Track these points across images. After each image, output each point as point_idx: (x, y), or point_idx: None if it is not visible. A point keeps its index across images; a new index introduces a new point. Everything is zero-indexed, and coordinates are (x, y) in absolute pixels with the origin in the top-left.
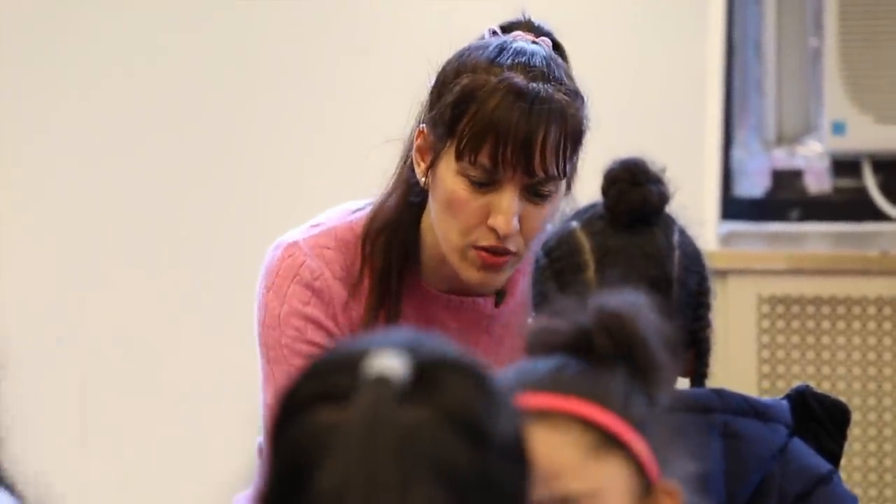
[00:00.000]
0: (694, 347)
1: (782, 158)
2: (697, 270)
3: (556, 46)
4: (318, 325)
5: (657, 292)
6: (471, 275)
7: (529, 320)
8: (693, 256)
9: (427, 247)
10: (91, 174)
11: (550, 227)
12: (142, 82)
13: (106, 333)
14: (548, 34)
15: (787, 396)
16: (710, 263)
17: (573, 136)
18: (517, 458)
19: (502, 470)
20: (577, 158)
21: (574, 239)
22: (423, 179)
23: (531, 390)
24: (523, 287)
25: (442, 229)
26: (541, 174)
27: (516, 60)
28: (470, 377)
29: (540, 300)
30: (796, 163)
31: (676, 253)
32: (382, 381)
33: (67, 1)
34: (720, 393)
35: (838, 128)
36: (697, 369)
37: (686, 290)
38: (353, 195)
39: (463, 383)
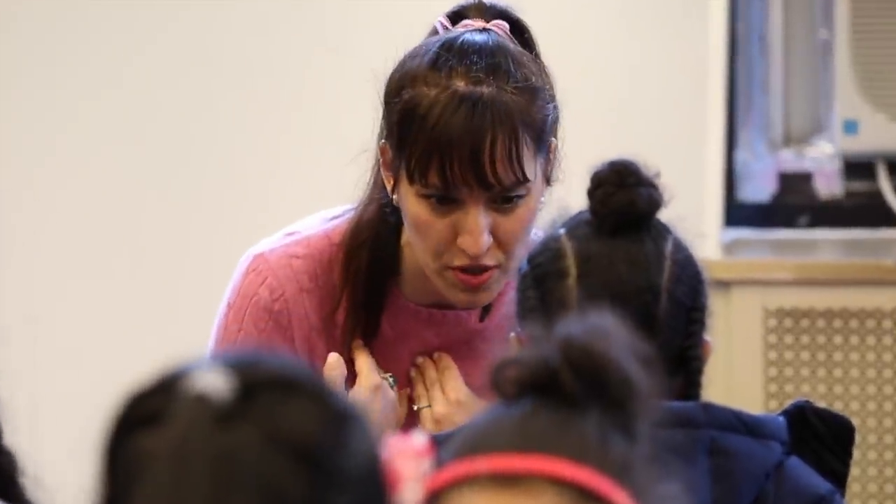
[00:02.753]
0: (684, 368)
1: (790, 160)
2: (691, 284)
3: (515, 25)
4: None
5: (642, 304)
6: (456, 296)
7: (512, 333)
8: (686, 268)
9: (408, 261)
10: (45, 183)
11: (538, 235)
12: (100, 83)
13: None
14: (502, 13)
15: (785, 412)
16: (713, 273)
17: (531, 134)
18: (367, 495)
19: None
20: (552, 146)
21: (557, 245)
22: (394, 198)
23: (496, 451)
24: (510, 299)
25: (417, 250)
26: (497, 185)
27: (458, 63)
28: (309, 399)
29: (523, 310)
30: (805, 165)
31: (667, 263)
32: (201, 402)
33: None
34: (707, 407)
35: (850, 127)
36: (688, 392)
37: (675, 303)
38: (324, 196)
39: (298, 405)
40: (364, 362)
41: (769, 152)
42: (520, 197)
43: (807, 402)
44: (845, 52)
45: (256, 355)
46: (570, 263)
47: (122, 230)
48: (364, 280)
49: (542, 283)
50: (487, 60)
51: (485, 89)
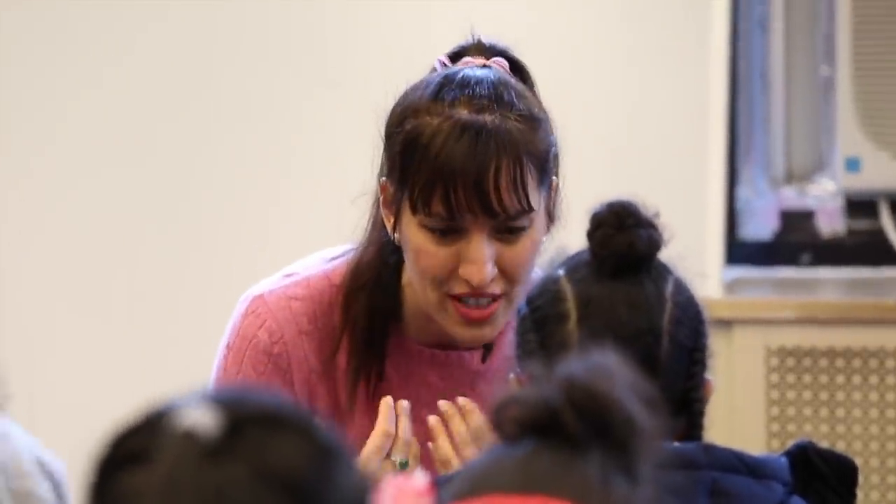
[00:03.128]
0: (686, 410)
1: (792, 198)
2: (692, 325)
3: (514, 64)
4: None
5: (643, 346)
6: (459, 331)
7: (511, 375)
8: (688, 309)
9: (409, 302)
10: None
11: (537, 274)
12: (97, 120)
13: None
14: (502, 53)
15: (787, 453)
16: (714, 312)
17: (534, 163)
18: None
19: None
20: (553, 184)
21: (557, 287)
22: (395, 236)
23: (498, 491)
24: (510, 340)
25: (418, 287)
26: (502, 213)
27: (460, 93)
28: (296, 433)
29: (522, 353)
30: (807, 203)
31: (668, 304)
32: (188, 438)
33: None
34: (708, 448)
35: (852, 164)
36: (690, 433)
37: (677, 345)
38: (326, 230)
39: (285, 440)
40: (378, 438)
41: (771, 190)
42: (523, 228)
43: (809, 442)
44: (847, 88)
45: (242, 391)
46: (571, 307)
47: (118, 264)
48: (365, 324)
49: (543, 326)
50: (490, 90)
51: (488, 117)
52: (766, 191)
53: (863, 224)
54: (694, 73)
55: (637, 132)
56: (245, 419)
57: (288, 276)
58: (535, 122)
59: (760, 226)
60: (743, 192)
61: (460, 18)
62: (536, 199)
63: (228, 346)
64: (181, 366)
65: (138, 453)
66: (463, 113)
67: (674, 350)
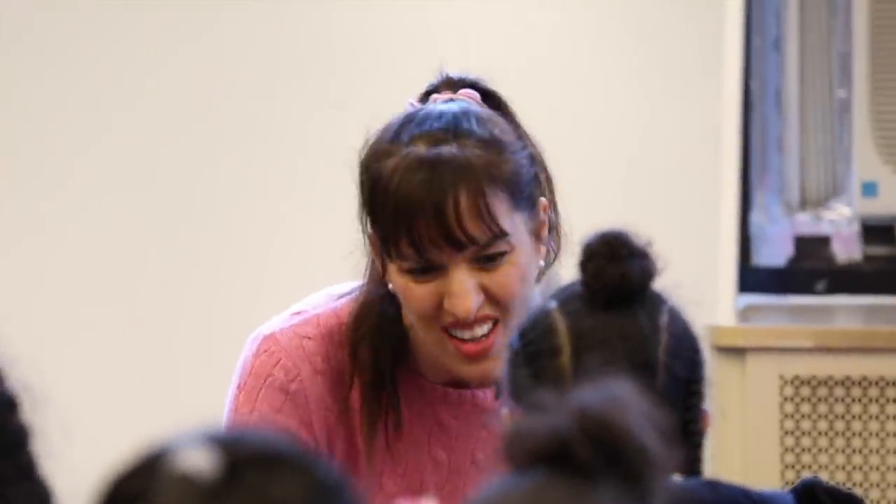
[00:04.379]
0: (685, 443)
1: (807, 223)
2: (688, 356)
3: (487, 94)
4: (288, 435)
5: (639, 379)
6: (463, 369)
7: (504, 409)
8: (683, 340)
9: (417, 342)
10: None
11: (535, 299)
12: (109, 132)
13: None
14: (472, 84)
15: (794, 490)
16: (727, 340)
17: (502, 187)
18: None
19: None
20: (541, 204)
21: (548, 320)
22: (390, 285)
23: None
24: None
25: (417, 328)
26: (470, 243)
27: (417, 130)
28: (295, 472)
29: (514, 388)
30: (822, 228)
31: (663, 336)
32: (186, 481)
33: None
34: (713, 485)
35: (869, 189)
36: (690, 467)
37: (673, 377)
38: (328, 252)
39: (284, 479)
40: None
41: (785, 215)
42: (502, 253)
43: (816, 478)
44: (864, 110)
45: (240, 430)
46: (564, 341)
47: (123, 280)
48: (374, 376)
49: (535, 360)
50: (448, 122)
51: (444, 149)
52: (781, 216)
53: (880, 250)
54: (707, 94)
55: (648, 155)
56: (243, 460)
57: (297, 314)
58: (498, 145)
59: (774, 252)
60: (756, 217)
61: (467, 39)
62: (510, 222)
63: (240, 387)
64: (186, 378)
65: (136, 496)
66: (420, 148)
67: (670, 382)
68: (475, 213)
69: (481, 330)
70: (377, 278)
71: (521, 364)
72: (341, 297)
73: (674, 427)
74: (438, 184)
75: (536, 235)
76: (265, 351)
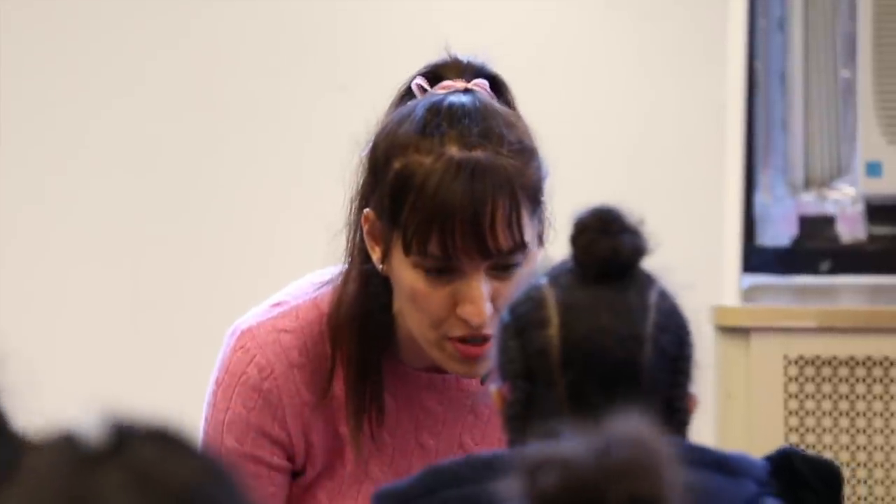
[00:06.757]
0: (669, 420)
1: (811, 204)
2: (676, 333)
3: (493, 80)
4: (261, 433)
5: (625, 352)
6: (454, 367)
7: (493, 387)
8: (672, 317)
9: (402, 329)
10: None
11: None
12: (109, 118)
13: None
14: (480, 69)
15: (769, 458)
16: (732, 320)
17: (528, 199)
18: None
19: None
20: (542, 211)
21: (538, 293)
22: (381, 267)
23: None
24: None
25: (411, 322)
26: (497, 253)
27: (449, 128)
28: (185, 453)
29: (504, 361)
30: (827, 208)
31: (651, 311)
32: (67, 444)
33: None
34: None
35: (873, 169)
36: None
37: (660, 352)
38: (332, 236)
39: (173, 456)
40: None
41: (789, 195)
42: (517, 264)
43: (792, 447)
44: (868, 91)
45: (144, 412)
46: (552, 313)
47: (124, 269)
48: (358, 361)
49: (523, 332)
50: (479, 124)
51: (480, 154)
52: (785, 196)
53: (884, 230)
54: (710, 75)
55: (653, 136)
56: (132, 434)
57: (276, 305)
58: (527, 153)
59: (779, 232)
60: (761, 197)
61: (471, 22)
62: (530, 233)
63: (217, 382)
64: (183, 372)
65: (20, 462)
66: (454, 150)
67: (656, 356)
68: (507, 225)
69: (480, 337)
70: (361, 265)
71: (511, 337)
72: (322, 286)
73: (657, 403)
74: (480, 192)
75: (539, 238)
76: (241, 348)
